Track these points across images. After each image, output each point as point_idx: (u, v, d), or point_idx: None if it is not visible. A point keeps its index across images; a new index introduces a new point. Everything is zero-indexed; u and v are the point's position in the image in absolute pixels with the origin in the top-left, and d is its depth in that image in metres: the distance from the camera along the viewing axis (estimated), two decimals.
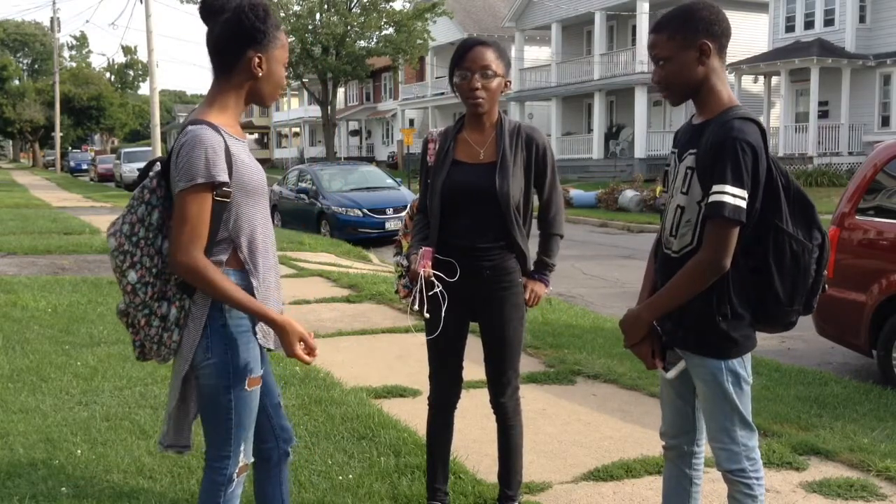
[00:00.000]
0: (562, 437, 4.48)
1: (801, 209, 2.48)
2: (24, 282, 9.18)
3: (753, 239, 2.44)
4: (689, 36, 2.46)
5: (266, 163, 58.99)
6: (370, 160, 43.41)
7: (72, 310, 7.62)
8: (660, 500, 3.00)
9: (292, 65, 32.33)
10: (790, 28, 27.09)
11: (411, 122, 46.92)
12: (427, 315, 3.21)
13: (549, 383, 5.49)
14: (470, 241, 3.19)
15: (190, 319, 2.45)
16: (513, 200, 3.15)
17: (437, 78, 40.97)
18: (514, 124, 3.26)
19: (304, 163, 31.24)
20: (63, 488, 3.61)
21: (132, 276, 2.39)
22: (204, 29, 2.51)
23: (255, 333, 2.50)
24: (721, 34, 2.48)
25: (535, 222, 3.35)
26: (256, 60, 2.44)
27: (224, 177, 2.35)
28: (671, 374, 2.61)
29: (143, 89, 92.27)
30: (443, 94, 39.66)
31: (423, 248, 3.19)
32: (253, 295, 2.45)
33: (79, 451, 4.04)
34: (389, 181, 17.84)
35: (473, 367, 3.65)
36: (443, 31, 35.83)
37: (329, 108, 33.85)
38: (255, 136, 68.26)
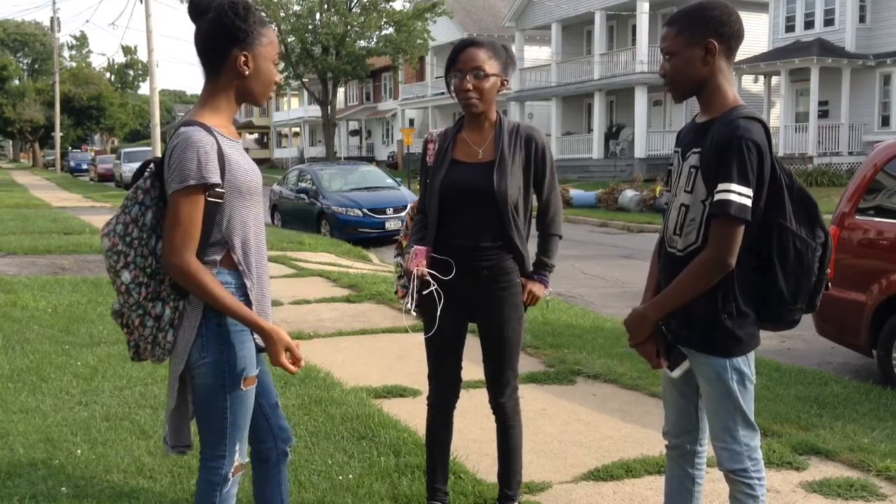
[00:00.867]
0: (562, 437, 4.48)
1: (803, 208, 2.49)
2: (24, 282, 9.18)
3: (757, 237, 2.45)
4: (696, 33, 2.47)
5: (266, 163, 59.02)
6: (370, 160, 43.40)
7: (72, 310, 7.62)
8: (660, 500, 3.00)
9: (292, 65, 32.36)
10: (790, 28, 27.08)
11: (411, 121, 46.92)
12: (414, 313, 3.21)
13: (549, 383, 5.49)
14: (468, 241, 3.19)
15: (185, 319, 2.45)
16: (511, 200, 3.15)
17: (437, 78, 40.95)
18: (513, 124, 3.27)
19: (304, 163, 31.22)
20: (63, 488, 3.61)
21: (126, 276, 2.39)
22: None
23: (251, 332, 2.50)
24: (731, 36, 2.48)
25: (533, 222, 3.36)
26: (242, 59, 2.43)
27: (216, 178, 2.35)
28: (676, 373, 2.61)
29: (143, 89, 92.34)
30: (443, 94, 39.52)
31: (416, 246, 3.20)
32: (247, 295, 2.46)
33: (79, 451, 4.04)
34: (389, 181, 17.84)
35: (473, 366, 3.65)
36: (443, 31, 35.82)
37: (329, 107, 33.85)
38: (255, 135, 68.27)
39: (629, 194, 21.32)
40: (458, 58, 3.15)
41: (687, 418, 2.74)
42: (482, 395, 3.51)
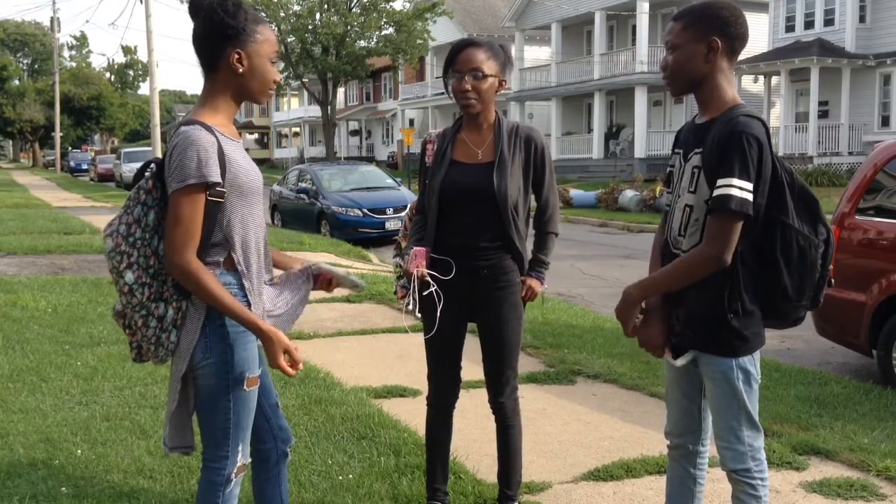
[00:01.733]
0: (562, 437, 4.48)
1: (805, 205, 2.50)
2: (24, 282, 9.19)
3: (761, 235, 2.45)
4: (702, 29, 2.48)
5: (266, 163, 59.01)
6: (370, 160, 43.40)
7: (72, 310, 7.62)
8: (660, 500, 3.00)
9: (292, 65, 32.35)
10: (790, 28, 27.08)
11: (411, 122, 46.92)
12: (419, 315, 3.21)
13: (549, 383, 5.49)
14: (468, 241, 3.19)
15: (188, 319, 2.45)
16: (510, 200, 3.15)
17: (437, 78, 40.91)
18: (513, 124, 3.27)
19: (304, 163, 31.23)
20: (63, 488, 3.61)
21: (129, 276, 2.39)
22: None
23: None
24: (735, 37, 2.50)
25: (530, 222, 3.36)
26: (236, 57, 2.42)
27: (216, 177, 2.34)
28: (680, 361, 2.60)
29: (143, 89, 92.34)
30: (443, 94, 39.47)
31: (416, 248, 3.20)
32: (245, 296, 2.45)
33: (79, 451, 4.04)
34: (389, 181, 17.84)
35: (473, 366, 3.65)
36: (443, 31, 35.82)
37: (329, 108, 33.85)
38: (255, 135, 68.25)
39: (629, 194, 21.30)
40: (457, 58, 3.15)
41: (689, 418, 2.74)
42: (482, 395, 3.51)
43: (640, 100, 29.86)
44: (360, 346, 6.59)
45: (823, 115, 25.95)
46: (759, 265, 2.48)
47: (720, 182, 2.38)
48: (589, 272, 11.80)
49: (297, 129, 60.75)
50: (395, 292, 3.51)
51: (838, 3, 25.49)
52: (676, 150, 2.68)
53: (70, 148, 73.22)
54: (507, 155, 3.18)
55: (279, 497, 2.79)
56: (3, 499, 3.49)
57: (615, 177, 27.42)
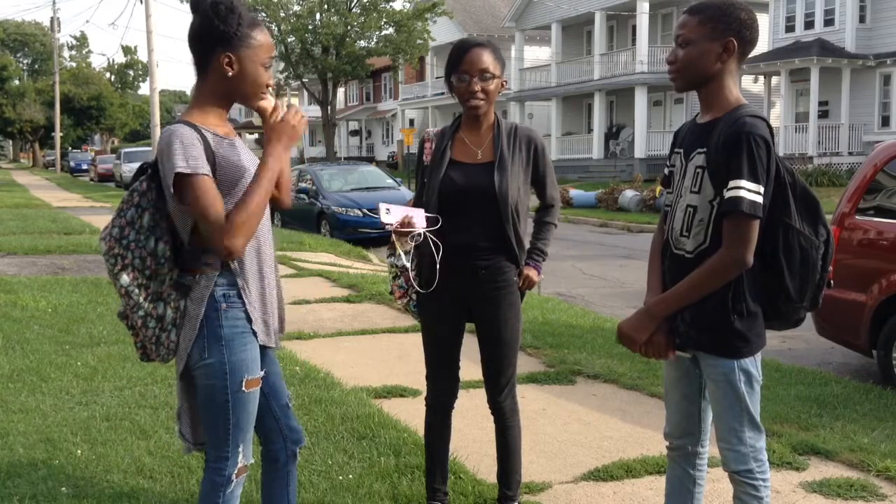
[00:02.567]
0: (562, 437, 4.48)
1: (806, 206, 2.50)
2: (24, 282, 9.18)
3: (763, 236, 2.45)
4: (719, 28, 2.46)
5: None
6: (370, 160, 43.38)
7: (72, 310, 7.62)
8: (660, 500, 3.00)
9: (292, 65, 32.34)
10: (790, 28, 27.08)
11: (411, 122, 46.91)
12: (417, 319, 3.19)
13: (549, 383, 5.49)
14: (466, 241, 3.19)
15: (186, 319, 2.45)
16: (511, 200, 3.15)
17: (437, 78, 40.94)
18: (511, 125, 3.27)
19: (304, 163, 31.22)
20: (63, 488, 3.61)
21: (125, 278, 2.40)
22: None
23: (254, 334, 2.50)
24: (748, 41, 2.49)
25: (530, 222, 3.36)
26: (226, 60, 2.41)
27: (205, 169, 2.34)
28: (682, 353, 2.59)
29: (143, 89, 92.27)
30: (443, 94, 39.58)
31: (406, 211, 3.14)
32: (242, 296, 2.45)
33: (79, 451, 4.04)
34: (389, 181, 17.84)
35: (472, 366, 3.65)
36: (443, 31, 35.82)
37: (329, 108, 33.84)
38: (255, 136, 68.17)
39: (629, 194, 21.30)
40: (464, 59, 3.13)
41: (689, 420, 2.73)
42: (481, 395, 3.51)
43: (640, 100, 29.87)
44: (360, 346, 6.59)
45: (823, 115, 25.95)
46: (761, 266, 2.48)
47: (730, 185, 2.36)
48: (589, 272, 11.79)
49: None
50: (392, 292, 3.50)
51: (838, 4, 25.49)
52: (676, 150, 2.66)
53: (70, 148, 73.26)
54: (508, 155, 3.18)
55: (286, 497, 2.78)
56: (3, 499, 3.49)
57: (615, 177, 27.43)
